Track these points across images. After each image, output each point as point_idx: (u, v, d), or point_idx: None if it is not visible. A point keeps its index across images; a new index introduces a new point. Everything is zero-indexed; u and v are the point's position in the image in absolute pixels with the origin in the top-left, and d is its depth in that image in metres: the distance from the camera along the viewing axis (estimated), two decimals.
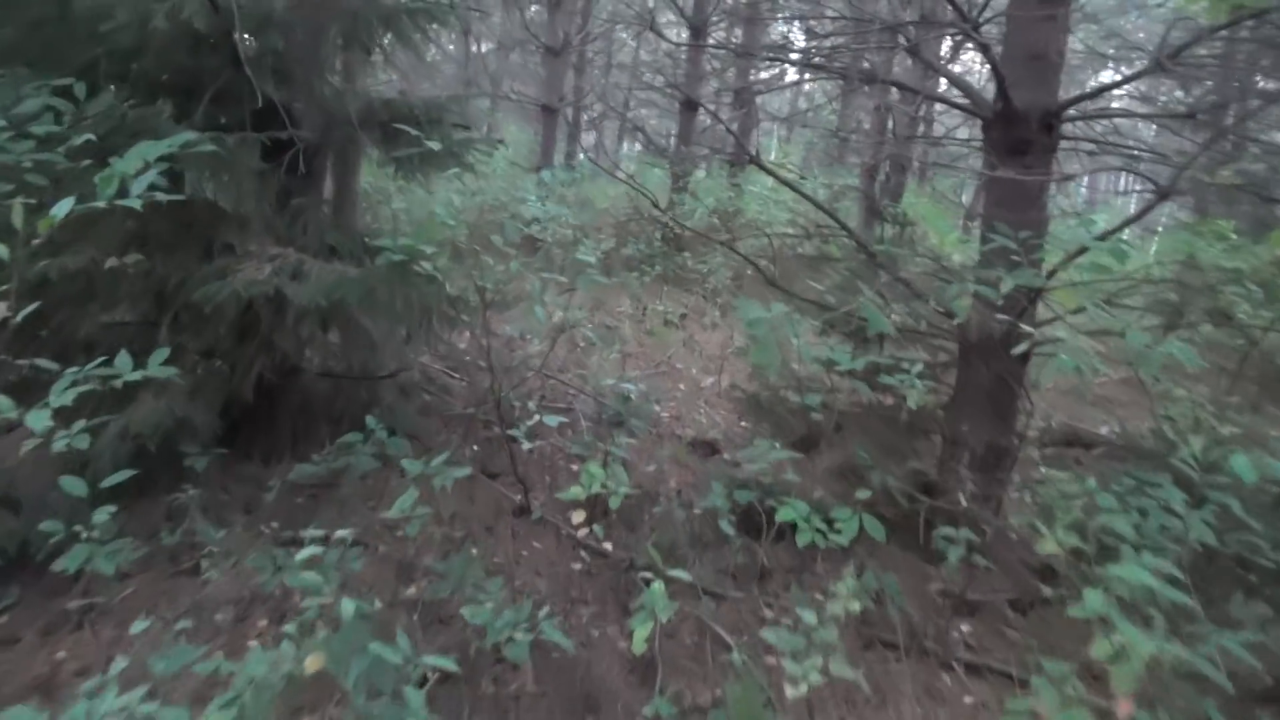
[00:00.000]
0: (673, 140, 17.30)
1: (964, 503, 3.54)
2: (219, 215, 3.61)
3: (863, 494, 3.20)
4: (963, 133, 11.79)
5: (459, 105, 4.64)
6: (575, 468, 5.12)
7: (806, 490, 3.90)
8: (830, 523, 3.17)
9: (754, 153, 4.24)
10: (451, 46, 23.84)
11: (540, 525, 4.27)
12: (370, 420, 3.44)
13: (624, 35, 22.44)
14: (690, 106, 13.78)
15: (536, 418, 3.87)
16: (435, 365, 6.12)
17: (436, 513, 4.06)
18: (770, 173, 4.83)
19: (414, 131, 3.67)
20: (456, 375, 6.01)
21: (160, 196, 2.62)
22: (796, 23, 13.74)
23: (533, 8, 20.07)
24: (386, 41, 5.39)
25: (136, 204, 2.54)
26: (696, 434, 5.98)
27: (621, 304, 9.54)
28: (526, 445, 3.83)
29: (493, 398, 4.22)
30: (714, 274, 10.25)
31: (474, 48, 24.32)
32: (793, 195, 12.39)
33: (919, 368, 3.43)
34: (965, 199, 13.59)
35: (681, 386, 7.03)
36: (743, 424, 6.30)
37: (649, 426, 5.93)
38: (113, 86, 3.75)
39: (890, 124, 10.61)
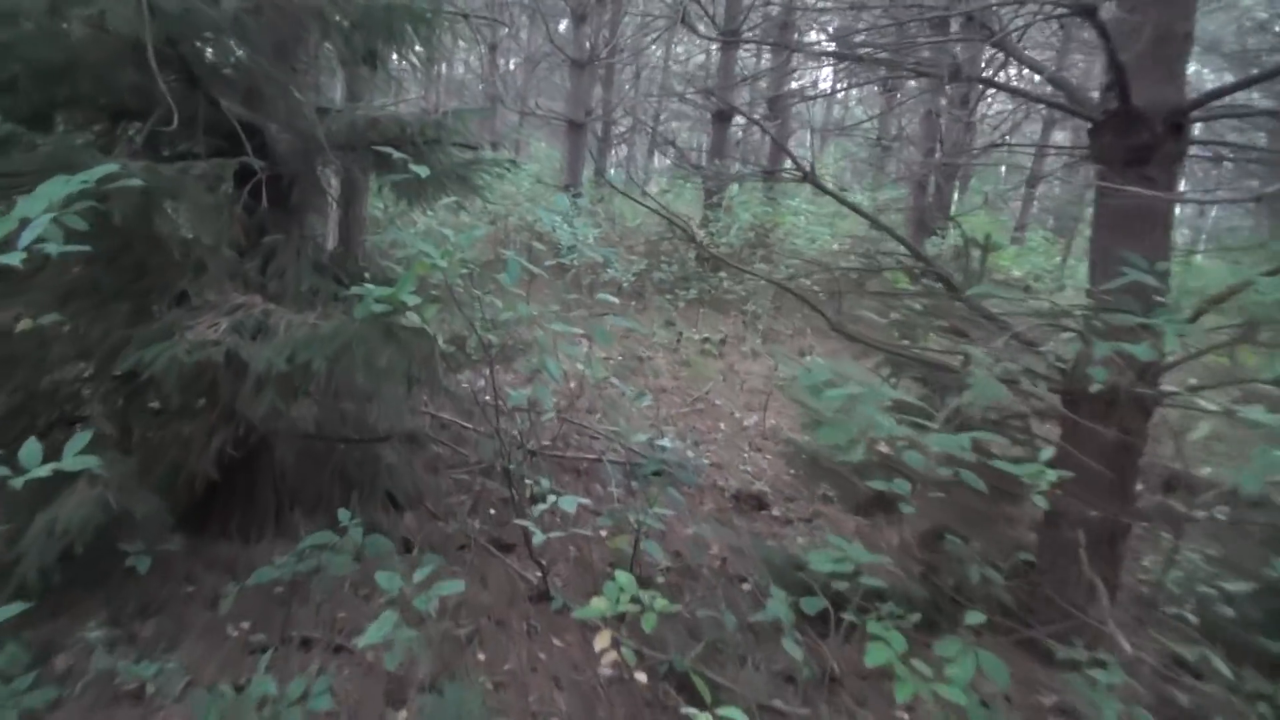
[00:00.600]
0: (704, 154, 16.66)
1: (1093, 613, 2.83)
2: (167, 261, 3.00)
3: (974, 618, 2.49)
4: (1017, 134, 11.03)
5: (462, 122, 4.01)
6: (604, 532, 4.47)
7: (898, 585, 3.19)
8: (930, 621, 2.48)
9: (808, 168, 3.57)
10: (477, 62, 23.45)
11: (562, 617, 3.60)
12: (343, 514, 2.79)
13: (652, 48, 21.91)
14: (723, 118, 13.13)
15: (552, 499, 3.20)
16: (444, 413, 5.50)
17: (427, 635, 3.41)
18: (828, 192, 4.15)
19: (397, 154, 3.03)
20: (469, 425, 5.37)
21: (51, 248, 2.02)
22: (836, 21, 13.03)
23: (561, 24, 19.59)
24: (386, 53, 4.84)
25: (15, 259, 1.94)
26: (740, 486, 5.29)
27: (654, 331, 8.88)
28: (539, 537, 3.16)
29: (501, 465, 3.58)
30: (754, 296, 9.56)
31: (500, 63, 23.91)
32: (836, 211, 11.69)
33: (1048, 452, 2.69)
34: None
35: (722, 426, 6.35)
36: (792, 471, 5.61)
37: (690, 481, 5.27)
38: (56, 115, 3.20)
39: (941, 131, 9.89)
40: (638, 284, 10.29)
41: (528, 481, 3.79)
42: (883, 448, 3.17)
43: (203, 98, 3.15)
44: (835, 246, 10.03)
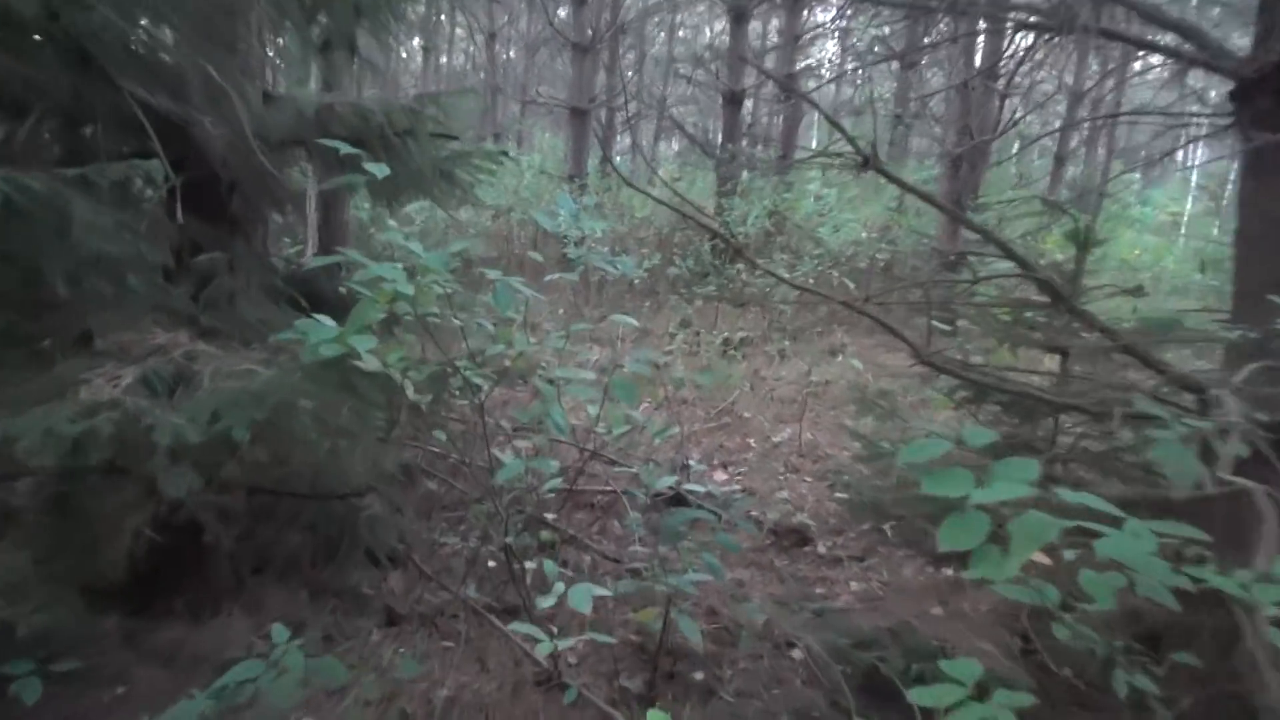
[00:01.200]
0: (714, 138, 15.93)
1: None
2: (51, 295, 2.34)
3: None
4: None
5: (441, 108, 3.33)
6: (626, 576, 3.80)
7: (995, 668, 2.50)
8: None
9: (869, 153, 2.87)
10: (476, 51, 22.77)
11: (578, 712, 2.93)
12: (277, 631, 2.12)
13: (656, 29, 21.11)
14: (734, 100, 12.39)
15: (560, 589, 2.52)
16: (434, 446, 4.83)
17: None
18: (896, 181, 3.47)
19: (347, 149, 2.34)
20: (466, 460, 4.70)
21: None
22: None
23: (561, 9, 18.83)
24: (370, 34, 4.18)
25: None
26: (779, 517, 4.60)
27: (670, 332, 8.20)
28: (546, 646, 2.48)
29: (498, 540, 2.92)
30: (776, 290, 8.84)
31: (500, 52, 23.15)
32: (859, 195, 10.95)
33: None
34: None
35: (752, 444, 5.67)
36: (838, 496, 4.93)
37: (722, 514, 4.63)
38: None
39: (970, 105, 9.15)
40: (650, 280, 9.61)
41: (529, 564, 3.12)
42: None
43: (103, 86, 2.47)
44: (864, 234, 9.31)
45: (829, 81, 19.32)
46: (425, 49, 22.81)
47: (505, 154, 3.79)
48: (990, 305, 3.20)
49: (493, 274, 2.44)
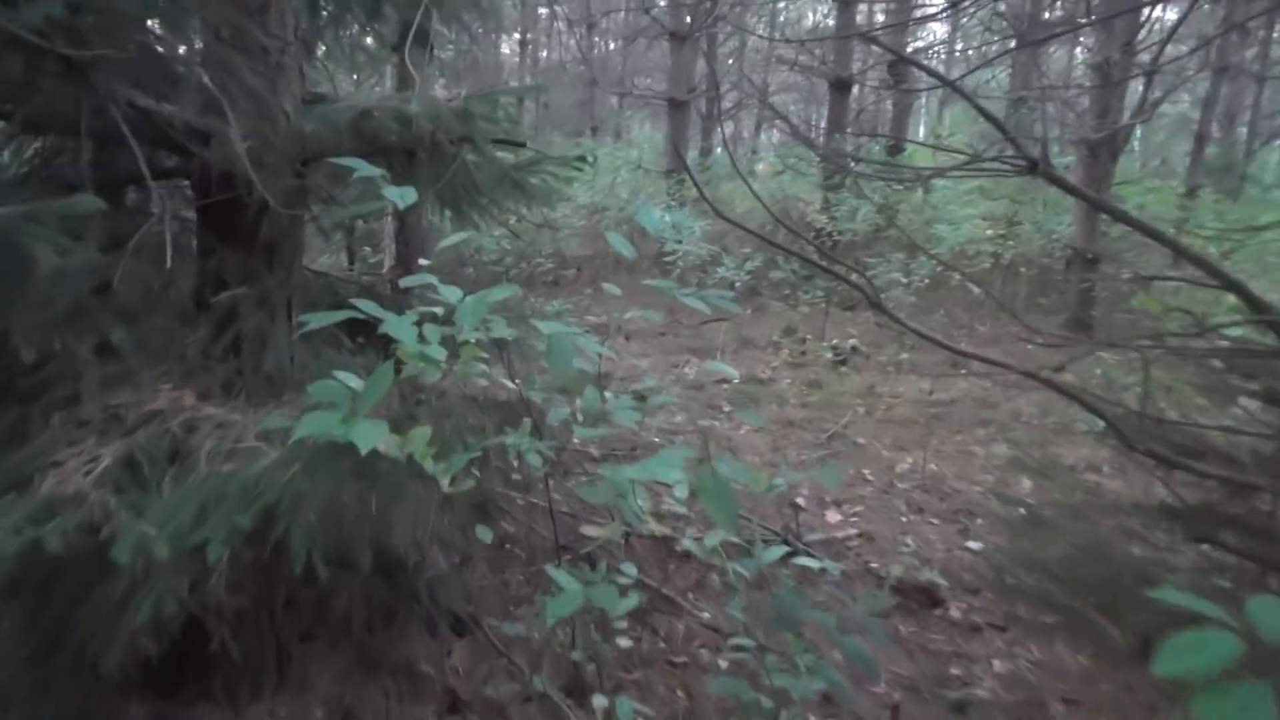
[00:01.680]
0: (817, 128, 15.13)
1: None
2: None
3: None
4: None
5: (498, 108, 2.82)
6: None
7: None
8: None
9: (1037, 156, 2.24)
10: (574, 44, 22.44)
11: None
12: None
13: (757, 15, 20.33)
14: (841, 87, 11.62)
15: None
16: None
17: None
18: (1071, 188, 2.82)
19: (367, 171, 1.85)
20: (538, 499, 4.22)
21: None
22: None
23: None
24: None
25: None
26: (904, 571, 3.97)
27: (773, 340, 7.59)
28: None
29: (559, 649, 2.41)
30: (889, 292, 8.10)
31: (597, 43, 22.77)
32: (979, 189, 10.08)
33: None
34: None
35: (868, 476, 5.02)
36: (971, 545, 4.26)
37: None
38: None
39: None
40: (752, 281, 8.99)
41: (599, 700, 2.59)
42: None
43: (87, 89, 2.05)
44: (989, 232, 8.48)
45: (930, 57, 18.28)
46: (523, 42, 22.61)
47: (584, 160, 3.27)
48: (1208, 354, 2.50)
49: (547, 328, 1.91)
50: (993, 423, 5.71)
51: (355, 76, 4.81)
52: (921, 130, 18.89)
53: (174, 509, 1.65)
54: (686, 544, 2.89)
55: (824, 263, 4.60)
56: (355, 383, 1.81)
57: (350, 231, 6.66)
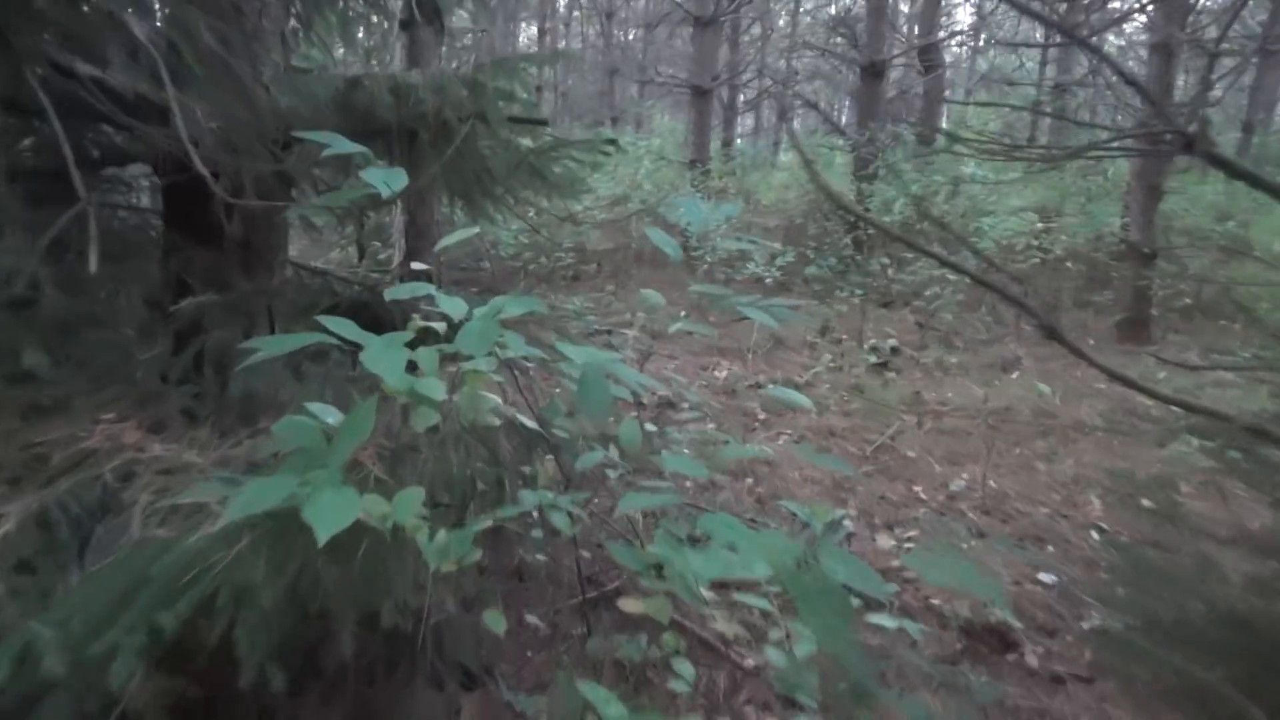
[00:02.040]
0: (843, 115, 14.61)
1: None
2: None
3: None
4: None
5: (514, 79, 2.38)
6: None
7: None
8: None
9: (1194, 130, 1.79)
10: (593, 33, 22.01)
11: None
12: None
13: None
14: (875, 72, 11.10)
15: None
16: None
17: None
18: (1233, 167, 2.35)
19: (347, 148, 1.41)
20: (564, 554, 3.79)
21: None
22: None
23: None
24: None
25: None
26: (971, 609, 3.52)
27: (808, 340, 7.13)
28: None
29: None
30: (938, 287, 7.59)
31: (617, 34, 22.29)
32: (1022, 179, 9.54)
33: None
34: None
35: (920, 493, 4.57)
36: (1043, 578, 3.81)
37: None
38: None
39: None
40: (783, 278, 8.52)
41: None
42: None
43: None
44: (1037, 225, 7.97)
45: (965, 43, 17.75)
46: (541, 31, 22.16)
47: (614, 142, 2.82)
48: None
49: (577, 353, 1.48)
50: (1053, 433, 5.24)
51: (356, 55, 4.41)
52: (944, 117, 18.29)
53: (84, 598, 1.24)
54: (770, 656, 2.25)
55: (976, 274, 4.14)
56: (334, 416, 1.40)
57: (360, 224, 6.25)
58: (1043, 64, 17.23)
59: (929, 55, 13.40)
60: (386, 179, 1.31)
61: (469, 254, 9.00)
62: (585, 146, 2.78)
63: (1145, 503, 4.55)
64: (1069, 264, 8.34)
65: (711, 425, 5.40)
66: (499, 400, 1.65)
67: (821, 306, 7.88)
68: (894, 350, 7.05)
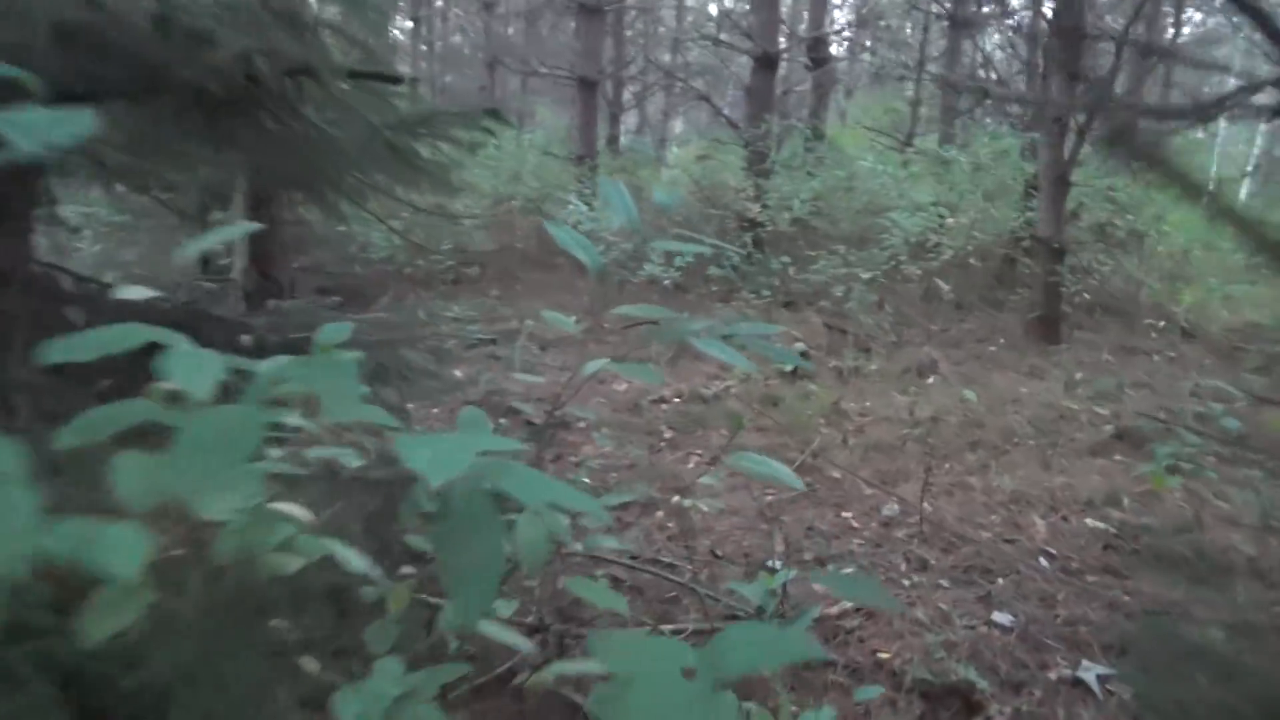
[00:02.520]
0: (729, 113, 14.23)
1: None
2: None
3: None
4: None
5: (364, 12, 1.73)
6: None
7: None
8: None
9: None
10: (467, 23, 21.14)
11: None
12: None
13: None
14: (768, 64, 10.71)
15: None
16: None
17: None
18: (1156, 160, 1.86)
19: None
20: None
21: None
22: None
23: None
24: None
25: None
26: (924, 663, 3.03)
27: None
28: None
29: None
30: (845, 287, 7.18)
31: (500, 30, 21.46)
32: (931, 172, 9.30)
33: None
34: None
35: (851, 521, 4.08)
36: (998, 619, 3.36)
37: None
38: None
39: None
40: (683, 279, 8.00)
41: None
42: None
43: None
44: (950, 220, 7.66)
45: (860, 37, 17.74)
46: (415, 21, 21.12)
47: (496, 114, 2.18)
48: None
49: (424, 467, 0.83)
50: (983, 444, 4.86)
51: None
52: (844, 113, 18.21)
53: None
54: None
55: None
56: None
57: (201, 221, 5.37)
58: (920, 63, 17.29)
59: (818, 49, 13.16)
60: (37, 127, 0.65)
61: (337, 258, 8.17)
62: (463, 120, 2.14)
63: (1091, 522, 4.21)
64: (972, 260, 8.10)
65: (610, 447, 4.82)
66: (304, 516, 1.00)
67: (725, 309, 7.39)
68: (803, 355, 6.60)
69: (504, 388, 5.55)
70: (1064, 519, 4.09)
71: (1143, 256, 8.36)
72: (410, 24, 23.48)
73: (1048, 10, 10.79)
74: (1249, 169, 19.71)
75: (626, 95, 18.24)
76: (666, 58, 20.25)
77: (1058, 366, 6.27)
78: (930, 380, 5.91)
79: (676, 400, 5.38)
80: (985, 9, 12.23)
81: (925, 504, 4.10)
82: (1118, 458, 4.77)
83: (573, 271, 8.45)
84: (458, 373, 6.09)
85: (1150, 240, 8.04)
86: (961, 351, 6.63)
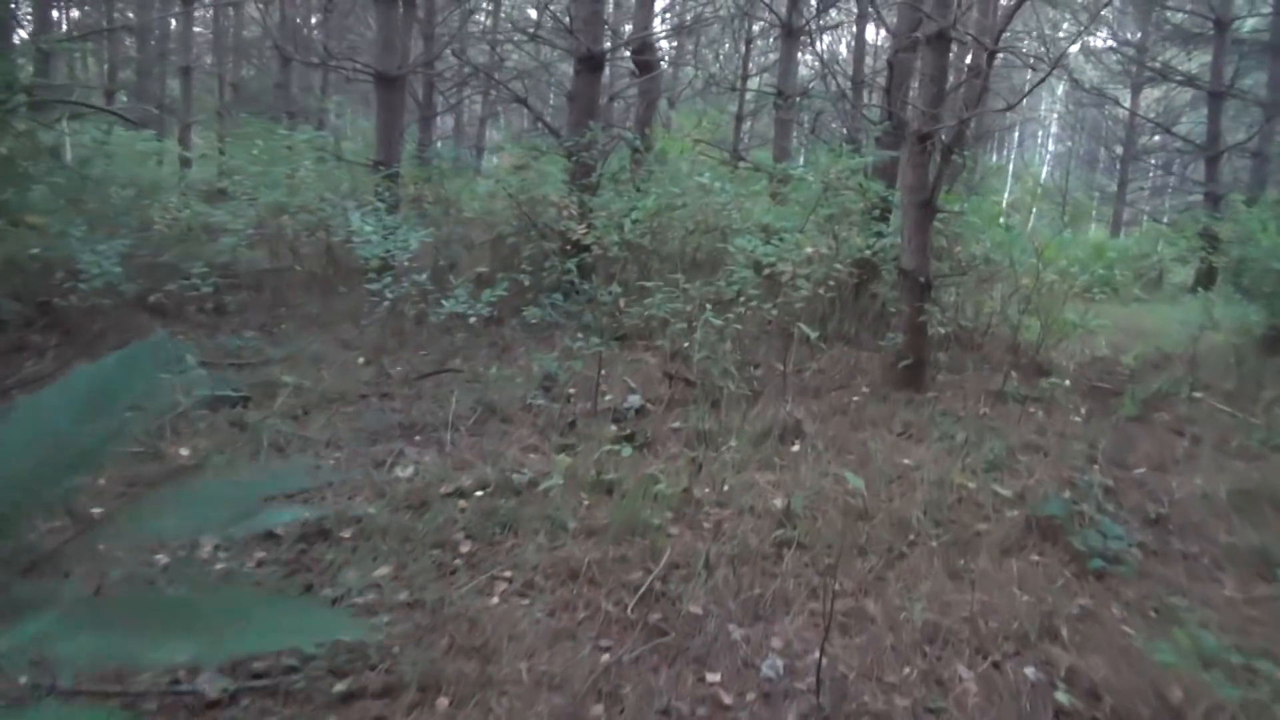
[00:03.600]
0: (551, 119, 12.97)
1: None
2: None
3: None
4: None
5: None
6: None
7: None
8: None
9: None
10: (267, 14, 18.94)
11: None
12: None
13: None
14: (593, 65, 9.51)
15: None
16: None
17: None
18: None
19: None
20: None
21: None
22: None
23: None
24: None
25: None
26: None
27: (528, 407, 5.29)
28: None
29: None
30: (684, 324, 6.01)
31: (297, 22, 19.29)
32: (760, 192, 8.33)
33: None
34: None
35: (719, 692, 2.86)
36: None
37: None
38: None
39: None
40: (496, 314, 6.63)
41: None
42: None
43: None
44: (809, 249, 6.62)
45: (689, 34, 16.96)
46: (216, 14, 18.64)
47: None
48: None
49: None
50: (874, 546, 3.78)
51: None
52: (671, 123, 17.32)
53: None
54: None
55: None
56: None
57: None
58: (743, 77, 16.68)
59: (643, 53, 12.12)
60: None
61: (46, 285, 6.33)
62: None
63: (1031, 672, 3.20)
64: (821, 290, 7.15)
65: (385, 569, 3.43)
66: None
67: (543, 354, 6.09)
68: (638, 411, 5.41)
69: (249, 477, 4.03)
70: (995, 666, 3.04)
71: (998, 287, 7.72)
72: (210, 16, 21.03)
73: (887, 19, 10.16)
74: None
75: (439, 98, 16.65)
76: (483, 59, 18.70)
77: (933, 423, 5.35)
78: (795, 447, 4.83)
79: (479, 493, 4.02)
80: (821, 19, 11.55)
81: (821, 655, 2.95)
82: (1035, 558, 3.80)
83: (361, 300, 6.93)
84: (184, 451, 4.51)
85: (1007, 268, 7.37)
86: (824, 404, 5.61)
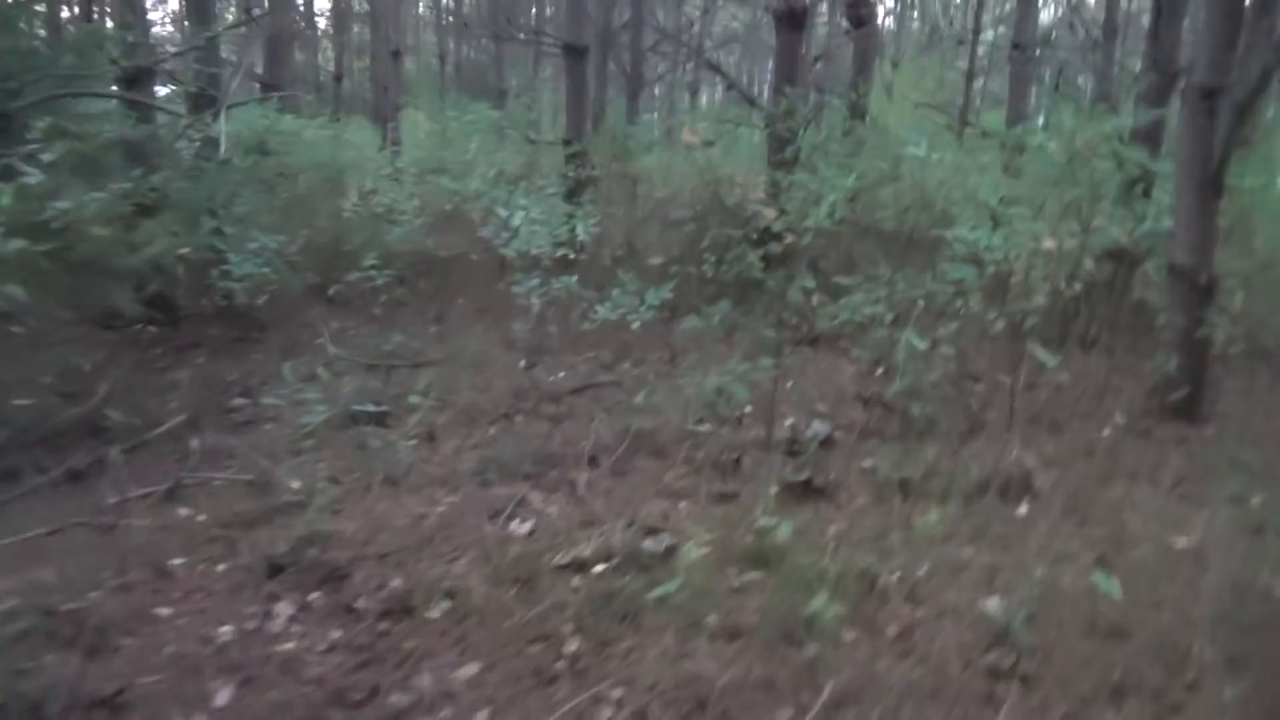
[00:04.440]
0: (757, 81, 11.94)
1: None
2: None
3: None
4: None
5: None
6: None
7: None
8: None
9: None
10: None
11: None
12: None
13: None
14: (794, 23, 8.40)
15: None
16: None
17: None
18: None
19: None
20: None
21: None
22: None
23: None
24: None
25: None
26: None
27: (686, 434, 4.45)
28: None
29: None
30: (888, 331, 4.93)
31: None
32: (984, 164, 7.01)
33: None
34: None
35: None
36: None
37: None
38: None
39: None
40: (664, 314, 5.80)
41: None
42: None
43: None
44: (1048, 243, 5.31)
45: None
46: None
47: None
48: None
49: None
50: (1131, 687, 2.66)
51: None
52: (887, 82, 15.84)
53: None
54: None
55: None
56: None
57: None
58: (975, 31, 14.83)
59: (858, 6, 10.83)
60: None
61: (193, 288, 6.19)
62: None
63: None
64: (1061, 286, 5.78)
65: (470, 670, 2.74)
66: None
67: (719, 366, 5.20)
68: (823, 442, 4.44)
69: (335, 528, 3.50)
70: None
71: None
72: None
73: None
74: None
75: (655, 69, 16.01)
76: (695, 27, 17.83)
77: (1214, 474, 4.02)
78: (1022, 509, 3.71)
79: (600, 567, 3.24)
80: None
81: None
82: None
83: (502, 313, 6.39)
84: (295, 484, 4.02)
85: None
86: (1062, 443, 4.40)
